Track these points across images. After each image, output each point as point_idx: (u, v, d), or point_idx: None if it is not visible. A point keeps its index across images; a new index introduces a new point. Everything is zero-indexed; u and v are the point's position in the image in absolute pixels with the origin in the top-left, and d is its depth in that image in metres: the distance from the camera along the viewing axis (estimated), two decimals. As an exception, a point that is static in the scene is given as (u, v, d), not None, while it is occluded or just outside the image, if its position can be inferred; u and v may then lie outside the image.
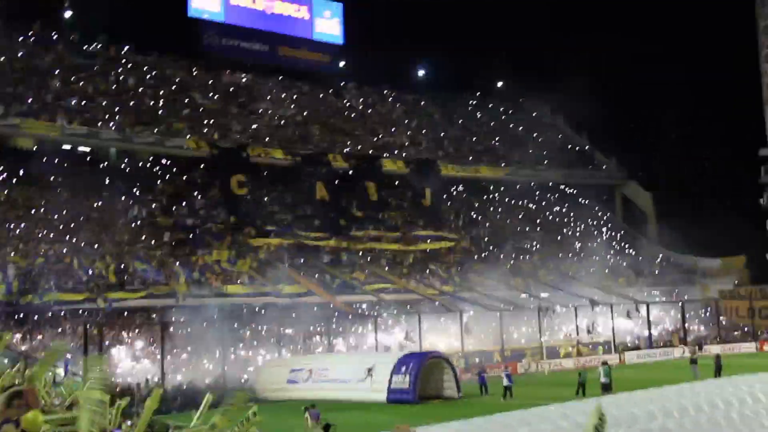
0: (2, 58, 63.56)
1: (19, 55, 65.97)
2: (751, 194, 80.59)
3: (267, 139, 71.31)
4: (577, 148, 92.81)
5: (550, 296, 62.34)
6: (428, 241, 69.14)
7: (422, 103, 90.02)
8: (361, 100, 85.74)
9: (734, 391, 17.10)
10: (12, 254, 48.96)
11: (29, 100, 60.90)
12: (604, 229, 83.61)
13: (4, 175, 57.62)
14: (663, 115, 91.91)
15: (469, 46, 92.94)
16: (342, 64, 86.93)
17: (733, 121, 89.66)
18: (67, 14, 73.30)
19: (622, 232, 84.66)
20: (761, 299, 70.78)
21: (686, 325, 63.37)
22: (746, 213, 77.65)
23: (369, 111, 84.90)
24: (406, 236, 68.22)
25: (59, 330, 45.64)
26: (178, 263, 53.95)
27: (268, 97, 78.86)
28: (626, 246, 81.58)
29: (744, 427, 15.70)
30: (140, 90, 70.36)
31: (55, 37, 70.63)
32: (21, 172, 58.30)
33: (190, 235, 59.15)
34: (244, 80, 79.75)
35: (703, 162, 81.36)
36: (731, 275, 77.21)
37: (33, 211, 55.38)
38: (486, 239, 74.08)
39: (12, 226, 52.41)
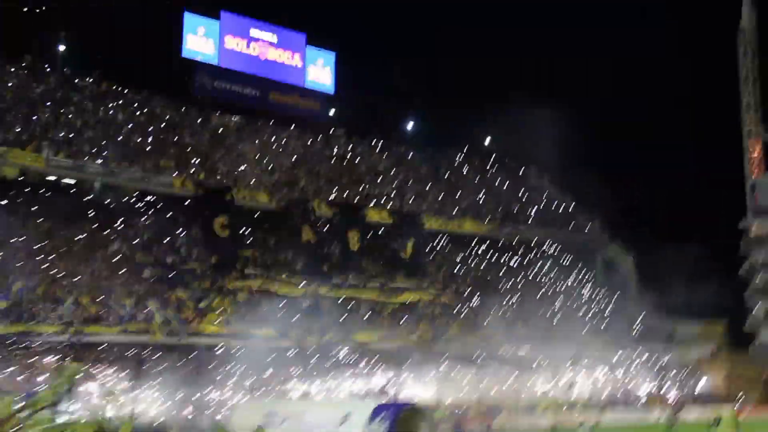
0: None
1: (9, 85, 65.52)
2: (732, 262, 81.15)
3: (253, 182, 70.93)
4: (560, 209, 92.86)
5: (530, 353, 62.01)
6: (408, 292, 68.63)
7: (410, 155, 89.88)
8: (349, 149, 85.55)
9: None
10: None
11: (17, 130, 60.34)
12: (585, 290, 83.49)
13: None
14: (647, 181, 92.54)
15: (458, 102, 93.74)
16: (332, 112, 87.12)
17: (716, 190, 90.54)
18: (61, 48, 72.91)
19: (603, 292, 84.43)
20: (741, 365, 70.98)
21: (664, 387, 63.25)
22: (727, 280, 77.98)
23: (356, 160, 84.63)
24: (386, 286, 67.85)
25: (29, 361, 44.70)
26: (155, 300, 53.38)
27: (257, 141, 78.54)
28: (606, 307, 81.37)
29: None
30: (129, 126, 69.91)
31: (47, 70, 70.21)
32: (3, 202, 57.57)
33: (170, 274, 58.55)
34: (233, 123, 79.38)
35: (685, 228, 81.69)
36: (710, 340, 77.27)
37: (12, 240, 54.52)
38: (466, 293, 73.74)
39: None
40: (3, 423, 7.37)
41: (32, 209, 58.02)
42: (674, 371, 67.72)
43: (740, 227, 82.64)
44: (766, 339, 78.31)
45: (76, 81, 71.21)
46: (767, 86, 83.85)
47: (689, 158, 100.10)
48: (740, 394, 67.33)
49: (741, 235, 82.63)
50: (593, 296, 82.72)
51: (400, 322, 64.75)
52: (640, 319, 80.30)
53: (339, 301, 62.93)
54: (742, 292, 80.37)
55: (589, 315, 76.77)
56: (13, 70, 67.34)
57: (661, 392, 62.38)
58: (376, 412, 36.66)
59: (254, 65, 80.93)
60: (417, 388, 52.87)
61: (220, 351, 51.96)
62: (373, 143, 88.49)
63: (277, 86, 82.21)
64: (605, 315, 79.12)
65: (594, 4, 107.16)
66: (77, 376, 39.44)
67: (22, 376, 42.61)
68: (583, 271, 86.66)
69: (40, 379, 43.03)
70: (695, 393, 65.96)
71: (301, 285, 63.39)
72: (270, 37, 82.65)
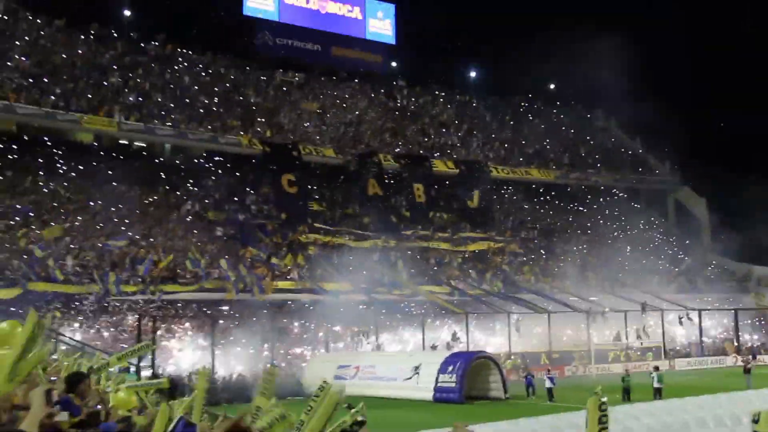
0: (64, 56, 64.74)
1: (79, 52, 66.92)
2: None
3: (318, 137, 71.63)
4: (629, 152, 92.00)
5: (600, 300, 61.91)
6: (477, 242, 68.79)
7: (473, 104, 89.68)
8: (412, 100, 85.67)
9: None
10: (70, 245, 49.43)
11: (89, 96, 61.75)
12: (656, 235, 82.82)
13: (65, 168, 58.42)
14: (720, 121, 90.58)
15: (521, 48, 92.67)
16: (394, 64, 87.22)
17: None
18: (127, 13, 74.09)
19: (675, 237, 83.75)
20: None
21: (739, 333, 62.63)
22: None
23: (420, 111, 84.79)
24: (454, 236, 68.05)
25: (113, 320, 45.97)
26: (228, 258, 54.26)
27: (320, 96, 79.21)
28: (679, 252, 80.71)
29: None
30: (195, 87, 71.12)
31: (114, 36, 71.47)
32: (80, 167, 59.11)
33: (241, 231, 59.49)
34: (296, 79, 80.00)
35: (760, 168, 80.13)
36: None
37: (91, 204, 56.01)
38: (535, 242, 73.72)
39: (70, 218, 52.96)
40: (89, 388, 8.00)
41: (108, 173, 59.50)
42: (749, 316, 66.97)
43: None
44: None
45: (142, 45, 72.55)
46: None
47: (761, 94, 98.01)
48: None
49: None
50: (665, 241, 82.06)
51: (469, 272, 65.14)
52: (713, 263, 79.82)
53: (408, 253, 63.25)
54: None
55: (661, 260, 76.17)
56: (82, 38, 68.87)
57: (736, 337, 61.76)
58: (447, 363, 37.27)
59: (314, 19, 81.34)
60: (487, 337, 53.10)
61: (292, 306, 52.64)
62: (435, 93, 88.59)
63: (338, 40, 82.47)
64: (677, 260, 78.60)
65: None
66: (156, 336, 41.24)
67: (107, 334, 44.03)
68: (654, 216, 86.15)
69: (124, 336, 44.58)
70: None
71: (370, 238, 64.09)
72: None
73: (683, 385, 33.02)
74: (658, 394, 31.90)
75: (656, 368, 37.36)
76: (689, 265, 77.21)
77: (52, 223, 50.94)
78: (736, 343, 61.06)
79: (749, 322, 66.36)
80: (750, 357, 50.37)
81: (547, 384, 36.97)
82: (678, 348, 58.78)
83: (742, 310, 65.35)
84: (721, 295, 71.28)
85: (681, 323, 62.09)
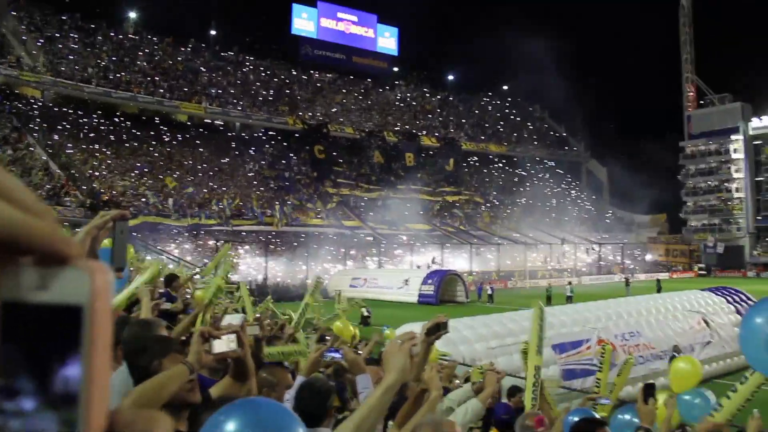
0: (170, 62, 65.13)
1: (179, 59, 66.97)
2: (672, 172, 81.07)
3: (341, 119, 71.71)
4: (556, 134, 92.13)
5: (534, 236, 62.47)
6: (451, 195, 69.18)
7: (450, 98, 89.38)
8: (408, 96, 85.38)
9: (647, 304, 17.56)
10: (171, 191, 50.05)
11: (185, 89, 61.96)
12: (573, 192, 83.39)
13: (169, 139, 59.07)
14: (619, 115, 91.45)
15: (484, 58, 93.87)
16: (396, 69, 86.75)
17: (663, 121, 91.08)
18: (213, 32, 74.29)
19: (585, 194, 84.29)
20: (674, 244, 71.08)
21: (623, 260, 63.58)
22: (668, 184, 78.10)
23: (413, 103, 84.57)
24: (434, 191, 68.38)
25: (200, 242, 46.54)
26: (278, 202, 54.70)
27: (344, 91, 79.01)
28: (587, 204, 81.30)
29: (658, 328, 16.10)
30: (258, 84, 71.08)
31: (203, 47, 71.52)
32: (179, 137, 59.50)
33: (287, 184, 59.89)
34: (328, 79, 79.78)
35: (642, 148, 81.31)
36: (656, 227, 77.22)
37: (185, 163, 56.47)
38: (491, 196, 74.04)
39: (170, 173, 53.51)
40: (182, 286, 8.10)
41: (196, 143, 59.76)
42: (630, 248, 67.74)
43: (679, 146, 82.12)
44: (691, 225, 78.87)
45: (222, 54, 72.45)
46: (698, 46, 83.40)
47: (645, 99, 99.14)
48: (673, 262, 68.30)
49: (678, 152, 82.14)
50: (578, 197, 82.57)
51: (445, 215, 65.63)
52: (609, 213, 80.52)
53: (402, 202, 63.61)
54: (678, 192, 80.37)
55: (576, 210, 76.74)
56: (182, 49, 69.05)
57: (622, 262, 62.47)
58: (428, 277, 37.72)
59: (341, 37, 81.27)
60: (455, 261, 53.52)
61: (321, 237, 52.64)
62: (424, 90, 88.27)
63: (357, 52, 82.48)
64: (586, 210, 79.15)
65: None
66: (228, 253, 41.53)
67: (195, 253, 44.46)
68: (572, 179, 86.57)
69: (208, 254, 45.03)
70: (644, 262, 66.08)
71: (376, 191, 64.53)
72: (352, 17, 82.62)
73: (586, 293, 33.49)
74: (569, 300, 32.38)
75: (569, 283, 38.15)
76: (593, 214, 77.93)
77: (160, 176, 51.54)
78: (621, 266, 61.89)
79: (630, 252, 67.17)
80: (629, 275, 51.14)
81: (489, 291, 38.01)
82: (584, 269, 59.33)
83: (625, 244, 66.25)
84: (613, 233, 72.05)
85: (587, 252, 62.73)
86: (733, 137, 77.84)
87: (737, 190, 77.70)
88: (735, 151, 78.03)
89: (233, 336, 2.57)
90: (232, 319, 3.18)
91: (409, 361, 1.84)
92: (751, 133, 76.95)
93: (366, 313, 25.15)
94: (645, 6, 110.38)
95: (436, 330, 2.74)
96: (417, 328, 3.92)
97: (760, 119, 76.26)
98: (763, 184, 76.41)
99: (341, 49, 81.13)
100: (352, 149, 69.26)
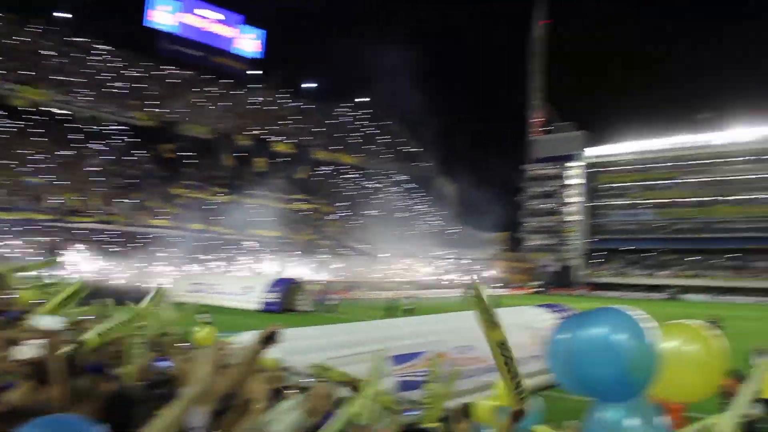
0: (12, 41, 60.23)
1: (23, 39, 62.03)
2: (514, 193, 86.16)
3: (195, 118, 69.66)
4: (409, 149, 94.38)
5: (381, 248, 63.54)
6: (301, 202, 69.18)
7: (308, 106, 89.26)
8: (265, 100, 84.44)
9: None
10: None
11: (27, 72, 57.72)
12: (422, 207, 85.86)
13: (3, 125, 55.12)
14: (468, 135, 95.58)
15: (345, 70, 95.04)
16: (257, 72, 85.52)
17: (509, 145, 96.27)
18: (64, 14, 69.27)
19: (434, 210, 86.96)
20: (514, 261, 75.38)
21: (467, 275, 66.31)
22: (510, 204, 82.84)
23: (271, 108, 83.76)
24: (285, 198, 68.08)
25: (32, 239, 43.49)
26: (121, 200, 52.48)
27: (200, 90, 76.78)
28: (436, 220, 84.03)
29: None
30: (108, 74, 67.59)
31: (51, 30, 66.82)
32: (16, 124, 55.42)
33: (131, 182, 57.48)
34: (185, 76, 77.18)
35: (487, 169, 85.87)
36: (499, 244, 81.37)
37: (20, 153, 52.65)
38: (341, 206, 74.69)
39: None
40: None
41: (35, 131, 55.94)
42: (473, 265, 70.67)
43: (521, 169, 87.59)
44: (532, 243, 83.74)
45: (72, 39, 67.95)
46: (552, 75, 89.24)
47: (496, 121, 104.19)
48: (511, 279, 72.31)
49: (521, 175, 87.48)
50: (427, 212, 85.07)
51: (293, 223, 65.32)
52: (457, 228, 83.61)
53: (251, 207, 62.81)
54: (518, 212, 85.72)
55: (424, 225, 79.05)
56: (28, 29, 64.30)
57: (463, 278, 64.91)
58: (274, 285, 37.33)
59: (203, 35, 78.74)
60: (301, 270, 53.48)
61: (165, 238, 51.31)
62: (283, 96, 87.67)
63: (218, 51, 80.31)
64: (434, 225, 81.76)
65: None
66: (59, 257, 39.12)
67: (28, 250, 41.46)
68: (421, 194, 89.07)
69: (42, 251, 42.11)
70: (485, 278, 69.06)
71: (224, 194, 63.15)
72: (218, 15, 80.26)
73: (428, 307, 34.23)
74: (411, 312, 32.94)
75: (412, 296, 39.05)
76: (441, 229, 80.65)
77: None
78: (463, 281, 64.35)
79: (473, 268, 70.03)
80: (467, 290, 53.33)
81: (333, 302, 38.46)
82: (428, 282, 60.97)
83: (469, 260, 69.15)
84: (459, 249, 74.88)
85: (433, 266, 64.71)
86: (571, 164, 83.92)
87: (572, 213, 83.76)
88: (572, 176, 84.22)
89: (47, 341, 2.42)
90: (48, 322, 2.98)
91: (211, 372, 1.78)
92: (588, 161, 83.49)
93: (206, 320, 24.43)
94: (503, 33, 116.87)
95: (270, 339, 2.75)
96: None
97: (598, 148, 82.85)
98: (597, 209, 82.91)
99: (201, 47, 78.51)
100: (203, 150, 67.30)
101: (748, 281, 67.50)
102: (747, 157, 73.91)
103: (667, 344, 2.80)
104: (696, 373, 2.88)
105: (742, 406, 2.57)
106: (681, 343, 2.86)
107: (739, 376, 10.94)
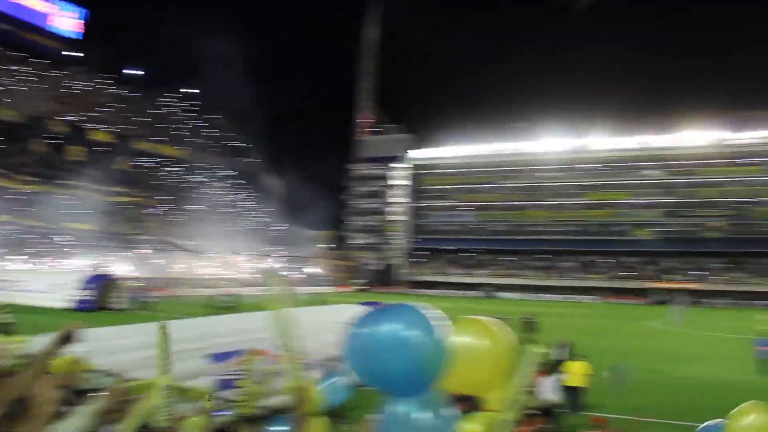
0: None
1: None
2: (339, 192, 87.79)
3: (3, 99, 64.06)
4: (237, 144, 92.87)
5: (205, 244, 62.08)
6: (121, 195, 65.97)
7: (131, 94, 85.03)
8: (85, 85, 79.32)
9: (306, 316, 18.47)
10: None
11: None
12: (249, 203, 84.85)
13: None
14: (296, 132, 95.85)
15: (173, 60, 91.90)
16: (76, 54, 79.95)
17: (337, 146, 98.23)
18: None
19: (260, 206, 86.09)
20: (338, 260, 77.04)
21: (290, 272, 66.55)
22: (335, 203, 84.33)
23: (90, 93, 78.79)
24: (104, 190, 64.42)
25: None
26: None
27: (8, 68, 70.44)
28: (262, 216, 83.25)
29: (313, 339, 16.89)
30: None
31: None
32: None
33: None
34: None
35: (314, 169, 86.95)
36: (324, 242, 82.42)
37: None
38: (164, 200, 72.00)
39: None
40: None
41: None
42: (299, 262, 70.93)
43: (347, 168, 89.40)
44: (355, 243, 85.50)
45: None
46: (384, 77, 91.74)
47: (326, 120, 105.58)
48: (336, 277, 73.52)
49: (347, 174, 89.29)
50: (254, 208, 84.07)
51: (112, 216, 61.92)
52: (282, 225, 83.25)
53: (64, 199, 58.70)
54: (343, 210, 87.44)
55: (250, 221, 78.06)
56: None
57: (285, 273, 64.92)
58: (87, 281, 35.37)
59: (11, 7, 72.60)
60: (119, 266, 51.10)
61: None
62: (105, 81, 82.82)
63: (31, 27, 74.36)
64: (260, 222, 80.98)
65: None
66: None
67: None
68: (248, 190, 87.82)
69: None
70: (307, 275, 69.49)
71: (34, 183, 58.60)
72: (31, -14, 73.88)
73: (252, 304, 33.75)
74: (233, 309, 32.16)
75: (235, 293, 38.39)
76: (267, 226, 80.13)
77: None
78: (286, 278, 64.46)
79: (297, 266, 70.34)
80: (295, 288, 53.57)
81: (150, 299, 37.15)
82: (252, 279, 60.32)
83: (293, 257, 69.43)
84: (285, 246, 74.87)
85: (257, 263, 64.05)
86: (396, 165, 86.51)
87: (396, 213, 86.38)
88: (396, 177, 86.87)
89: None
90: None
91: None
92: (413, 162, 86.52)
93: (9, 320, 22.49)
94: (337, 33, 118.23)
95: (66, 340, 2.62)
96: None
97: (422, 150, 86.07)
98: (420, 210, 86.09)
99: (9, 19, 71.96)
100: (10, 135, 62.04)
101: (556, 280, 73.32)
102: (556, 166, 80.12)
103: (458, 339, 2.96)
104: (484, 366, 3.06)
105: (515, 394, 2.77)
106: (471, 338, 3.03)
107: (546, 369, 11.78)
